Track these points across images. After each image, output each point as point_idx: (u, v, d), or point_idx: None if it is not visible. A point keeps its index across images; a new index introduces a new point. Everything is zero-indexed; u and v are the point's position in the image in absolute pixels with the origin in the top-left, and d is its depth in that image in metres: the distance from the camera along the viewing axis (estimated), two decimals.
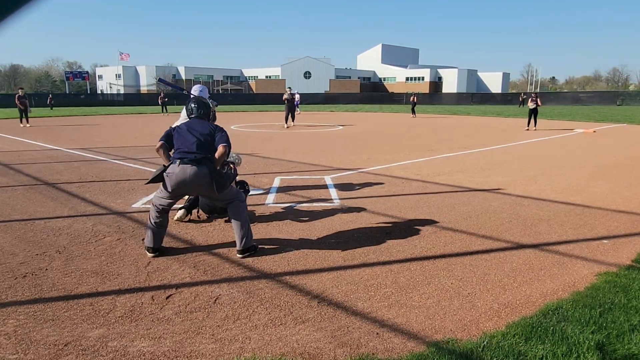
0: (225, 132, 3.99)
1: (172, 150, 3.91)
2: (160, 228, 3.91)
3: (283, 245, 4.23)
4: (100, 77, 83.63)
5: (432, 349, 2.48)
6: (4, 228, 4.75)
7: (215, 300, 3.11)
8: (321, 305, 3.04)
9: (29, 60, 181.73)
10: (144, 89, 72.13)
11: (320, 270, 3.67)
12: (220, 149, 3.84)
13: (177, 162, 3.73)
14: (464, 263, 3.83)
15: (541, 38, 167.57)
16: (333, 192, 6.52)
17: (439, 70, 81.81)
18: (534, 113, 17.63)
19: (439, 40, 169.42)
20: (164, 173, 3.78)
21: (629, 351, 2.41)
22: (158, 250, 3.94)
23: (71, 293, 3.21)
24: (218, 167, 3.88)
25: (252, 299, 3.13)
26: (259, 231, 4.63)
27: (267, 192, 6.55)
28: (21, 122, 18.91)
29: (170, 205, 3.95)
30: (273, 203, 5.90)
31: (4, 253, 3.99)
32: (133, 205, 5.71)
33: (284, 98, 19.44)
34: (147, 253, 3.92)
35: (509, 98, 51.97)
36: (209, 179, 3.73)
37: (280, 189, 6.74)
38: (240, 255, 3.91)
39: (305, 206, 5.73)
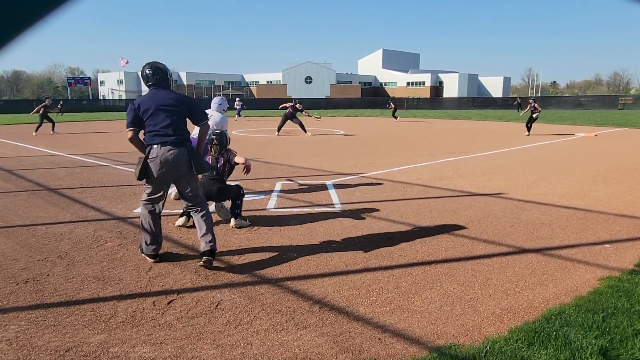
0: (198, 105, 3.92)
1: (144, 132, 3.79)
2: (156, 235, 3.86)
3: (284, 250, 4.23)
4: (102, 82, 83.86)
5: (435, 355, 2.47)
6: (6, 233, 4.76)
7: (217, 306, 3.11)
8: (323, 311, 3.03)
9: (32, 66, 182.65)
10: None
11: (321, 275, 3.67)
12: (201, 129, 3.90)
13: (158, 146, 3.68)
14: (466, 268, 3.82)
15: (542, 42, 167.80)
16: (334, 197, 6.52)
17: (439, 74, 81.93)
18: (533, 120, 17.69)
19: (439, 45, 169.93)
20: (147, 160, 3.71)
21: (632, 356, 2.40)
22: (157, 255, 3.93)
23: (72, 299, 3.21)
24: (205, 148, 3.85)
25: (253, 305, 3.13)
26: (261, 236, 4.63)
27: (269, 196, 6.55)
28: (36, 130, 18.20)
29: (160, 200, 3.86)
30: (274, 208, 5.91)
31: (6, 258, 4.00)
32: (134, 211, 5.71)
33: (287, 107, 17.92)
34: (148, 258, 3.92)
35: (510, 102, 51.98)
36: (187, 159, 3.73)
37: (282, 194, 6.74)
38: (205, 260, 3.72)
39: (306, 211, 5.72)
